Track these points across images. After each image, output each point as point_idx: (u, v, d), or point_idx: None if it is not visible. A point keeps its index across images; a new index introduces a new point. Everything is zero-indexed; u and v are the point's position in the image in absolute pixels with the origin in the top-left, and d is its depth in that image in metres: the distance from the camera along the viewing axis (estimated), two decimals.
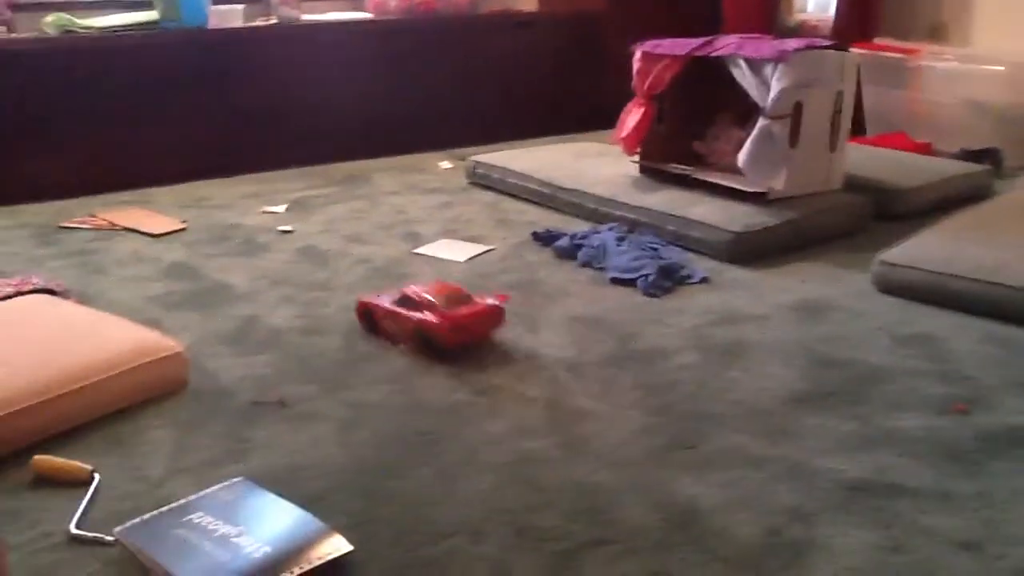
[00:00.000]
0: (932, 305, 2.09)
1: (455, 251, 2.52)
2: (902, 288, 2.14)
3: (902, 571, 1.19)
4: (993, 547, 1.23)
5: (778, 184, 2.50)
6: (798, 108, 2.49)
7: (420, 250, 2.55)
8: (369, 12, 4.15)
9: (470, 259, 2.46)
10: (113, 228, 2.80)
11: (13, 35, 3.30)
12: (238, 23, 3.69)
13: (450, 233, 2.71)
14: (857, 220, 2.65)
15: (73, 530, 1.29)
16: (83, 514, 1.33)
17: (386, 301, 1.95)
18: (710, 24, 4.34)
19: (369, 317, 1.98)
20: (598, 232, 2.53)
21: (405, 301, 1.91)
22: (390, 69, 3.89)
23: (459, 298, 1.89)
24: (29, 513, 1.34)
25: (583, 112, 4.32)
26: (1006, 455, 1.46)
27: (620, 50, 2.98)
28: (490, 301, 1.92)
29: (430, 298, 1.87)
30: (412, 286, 1.93)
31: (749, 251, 2.40)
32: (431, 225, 2.80)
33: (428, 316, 1.85)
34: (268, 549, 1.20)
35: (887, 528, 1.28)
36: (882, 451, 1.48)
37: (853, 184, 2.77)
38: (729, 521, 1.30)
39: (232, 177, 3.48)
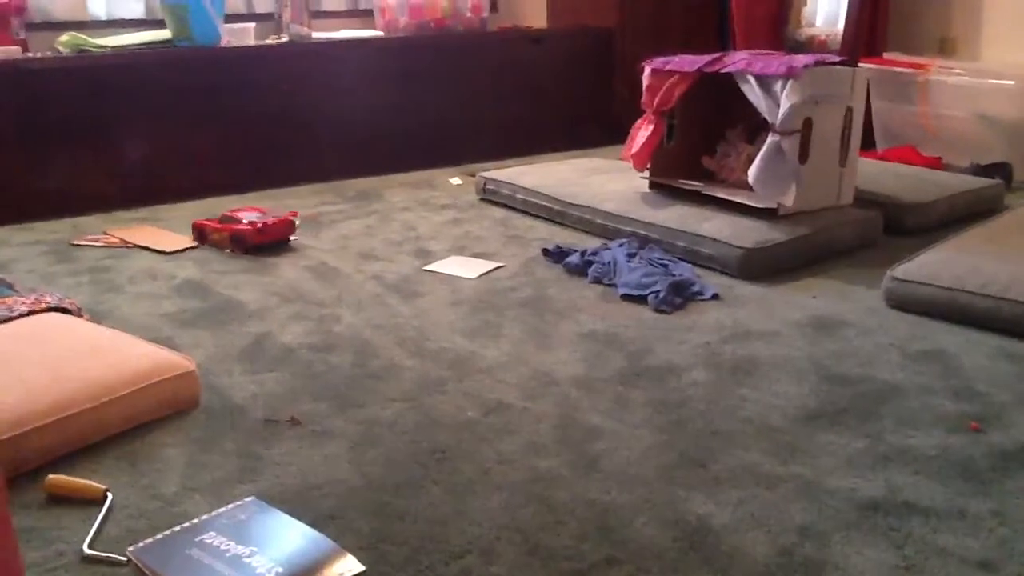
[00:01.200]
0: (944, 320, 2.08)
1: (465, 268, 2.53)
2: (913, 304, 2.14)
3: None
4: (1009, 566, 1.23)
5: (788, 200, 2.50)
6: (808, 124, 2.49)
7: (430, 267, 2.55)
8: (380, 30, 4.18)
9: (480, 276, 2.47)
10: (125, 246, 2.82)
11: (28, 54, 3.33)
12: (250, 41, 3.72)
13: (460, 250, 2.72)
14: (867, 235, 2.65)
15: (86, 550, 1.29)
16: (96, 533, 1.34)
17: (214, 222, 2.83)
18: (720, 39, 4.36)
19: (200, 232, 2.84)
20: (608, 248, 2.53)
21: (225, 219, 2.81)
22: (401, 86, 3.92)
23: (261, 216, 2.82)
24: (43, 532, 1.35)
25: (594, 128, 4.34)
26: (1021, 473, 1.45)
27: (631, 66, 3.00)
28: (285, 216, 2.83)
29: (241, 215, 2.81)
30: (232, 211, 2.87)
31: (760, 267, 2.40)
32: (441, 242, 2.81)
33: (240, 226, 2.74)
34: (280, 570, 1.21)
35: (900, 547, 1.27)
36: (895, 469, 1.47)
37: (863, 199, 2.77)
38: (741, 540, 1.29)
39: (245, 194, 3.50)
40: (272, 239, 2.75)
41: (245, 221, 2.75)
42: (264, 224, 2.74)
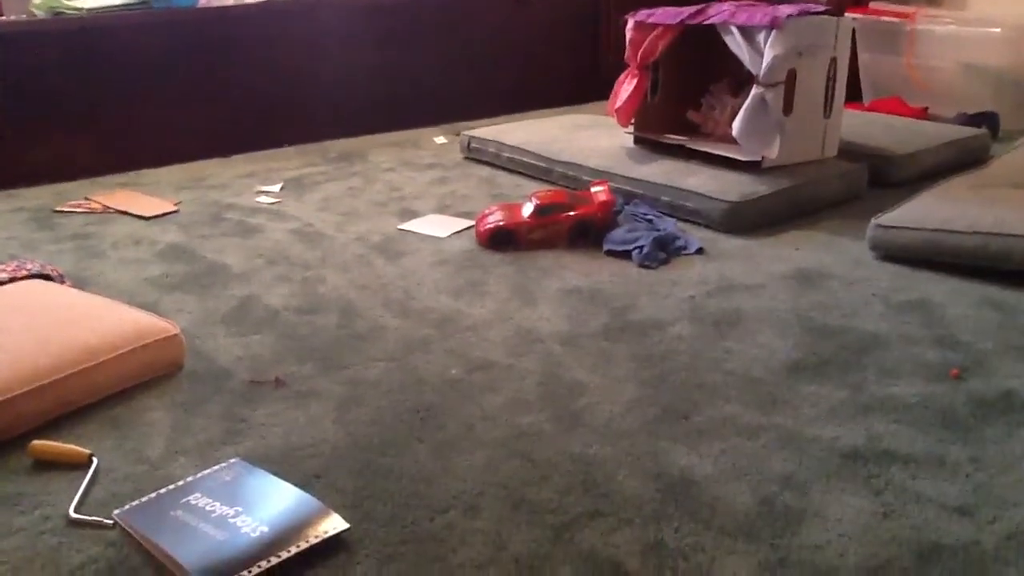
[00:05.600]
0: (928, 270, 2.09)
1: (439, 227, 2.52)
2: (898, 250, 2.14)
3: (895, 537, 1.20)
4: (985, 511, 1.24)
5: (772, 152, 2.49)
6: (792, 75, 2.47)
7: (405, 226, 2.54)
8: None
9: (453, 235, 2.45)
10: (107, 211, 2.80)
11: (2, 18, 3.27)
12: (229, 1, 3.66)
13: (445, 209, 2.70)
14: (853, 187, 2.64)
15: (72, 514, 1.30)
16: (82, 497, 1.34)
17: (522, 217, 2.33)
18: None
19: (504, 238, 2.32)
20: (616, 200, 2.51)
21: (546, 210, 2.32)
22: (385, 45, 3.87)
23: (578, 197, 2.40)
24: (29, 497, 1.35)
25: (580, 84, 4.30)
26: (1000, 420, 1.47)
27: (617, 21, 2.96)
28: (602, 196, 2.36)
29: (572, 200, 2.36)
30: (535, 200, 2.36)
31: (744, 220, 2.40)
32: (426, 201, 2.79)
33: (582, 211, 2.32)
34: (265, 529, 1.22)
35: (879, 494, 1.29)
36: (876, 418, 1.48)
37: (848, 151, 2.76)
38: (723, 491, 1.31)
39: (228, 157, 3.47)
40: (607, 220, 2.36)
41: (577, 204, 2.35)
42: (603, 204, 2.34)
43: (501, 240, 2.32)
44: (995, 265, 2.00)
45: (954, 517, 1.23)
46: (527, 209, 2.35)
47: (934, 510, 1.25)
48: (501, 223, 2.33)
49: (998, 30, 3.30)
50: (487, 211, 2.42)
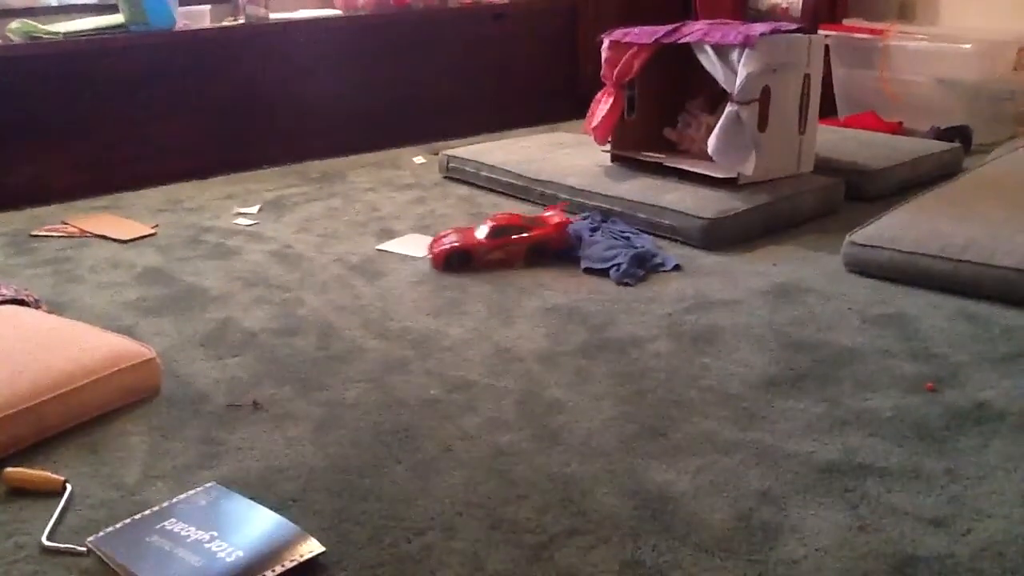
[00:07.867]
0: (904, 284, 2.11)
1: (417, 247, 2.52)
2: (872, 268, 2.16)
3: (871, 550, 1.20)
4: (960, 523, 1.25)
5: (748, 169, 2.51)
6: (766, 92, 2.50)
7: (383, 246, 2.54)
8: (338, 9, 4.12)
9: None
10: (84, 235, 2.78)
11: None
12: (206, 24, 3.67)
13: (424, 228, 2.71)
14: (829, 202, 2.67)
15: (46, 542, 1.28)
16: (56, 525, 1.33)
17: (478, 239, 2.33)
18: (682, 11, 4.35)
19: (460, 259, 2.32)
20: (571, 223, 2.53)
21: (502, 231, 2.33)
22: (362, 66, 3.88)
23: (533, 219, 2.40)
24: (1, 526, 1.34)
25: (559, 103, 4.32)
26: (974, 431, 1.48)
27: (594, 39, 2.98)
28: (556, 219, 2.39)
29: (526, 222, 2.37)
30: (489, 222, 2.36)
31: (721, 237, 2.41)
32: (405, 221, 2.80)
33: (539, 232, 2.34)
34: (241, 553, 1.21)
35: (855, 508, 1.29)
36: (852, 432, 1.49)
37: (824, 166, 2.78)
38: (700, 507, 1.31)
39: (206, 179, 3.46)
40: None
41: (533, 226, 2.36)
42: (559, 225, 2.36)
43: (457, 261, 2.33)
44: (964, 289, 2.03)
45: (929, 529, 1.24)
46: (481, 231, 2.36)
47: (909, 523, 1.26)
48: (456, 244, 2.33)
49: (969, 46, 3.35)
50: (441, 234, 2.43)
